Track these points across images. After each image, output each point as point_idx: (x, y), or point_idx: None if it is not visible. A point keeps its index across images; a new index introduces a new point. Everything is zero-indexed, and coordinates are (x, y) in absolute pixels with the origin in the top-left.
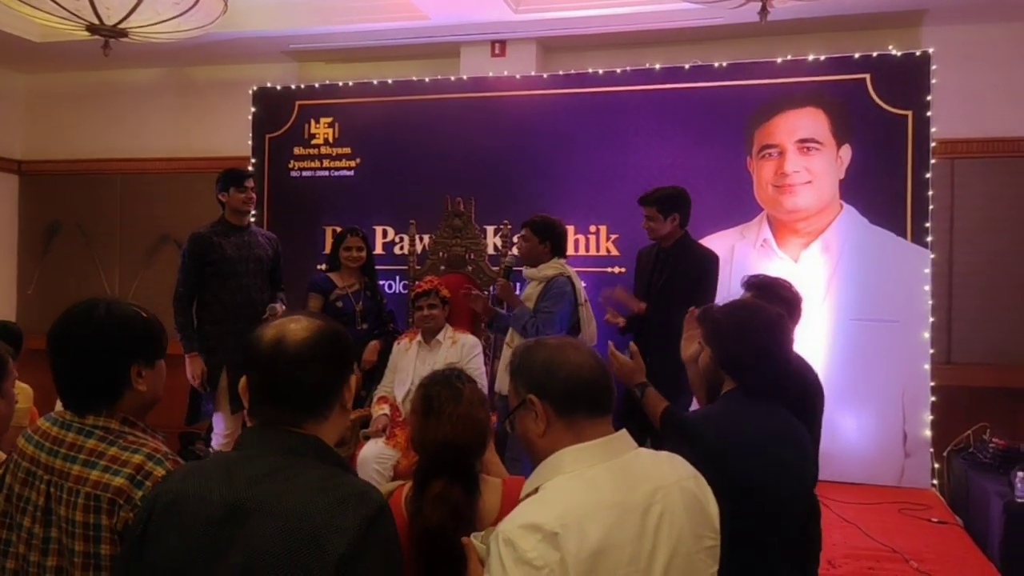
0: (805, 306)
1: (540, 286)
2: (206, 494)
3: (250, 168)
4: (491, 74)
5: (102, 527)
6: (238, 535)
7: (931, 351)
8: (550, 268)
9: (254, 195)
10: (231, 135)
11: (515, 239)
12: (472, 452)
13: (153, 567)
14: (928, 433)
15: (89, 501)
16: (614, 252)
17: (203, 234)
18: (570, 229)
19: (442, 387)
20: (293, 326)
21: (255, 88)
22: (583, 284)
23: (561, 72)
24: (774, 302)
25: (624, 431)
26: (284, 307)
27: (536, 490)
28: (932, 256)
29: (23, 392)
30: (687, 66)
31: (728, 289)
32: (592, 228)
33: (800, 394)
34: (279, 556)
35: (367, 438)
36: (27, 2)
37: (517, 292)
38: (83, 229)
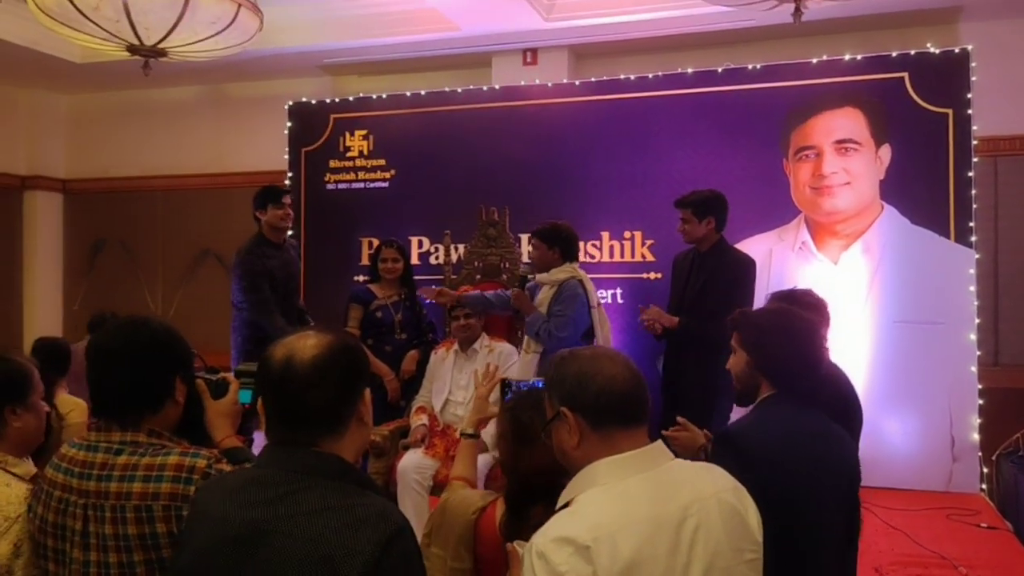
0: (846, 310)
1: (552, 290)
2: (224, 513)
3: (287, 182)
4: (523, 83)
5: (159, 535)
6: (255, 556)
7: (978, 353)
8: (561, 272)
9: (291, 211)
10: (268, 150)
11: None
12: (565, 475)
13: None
14: (976, 437)
15: (140, 513)
16: (649, 258)
17: (256, 255)
18: (604, 235)
19: (534, 412)
20: (301, 344)
21: (291, 103)
22: (595, 288)
23: (593, 79)
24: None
25: (660, 442)
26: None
27: (570, 502)
28: (977, 256)
29: (78, 407)
30: (720, 69)
31: (766, 294)
32: (627, 234)
33: (835, 400)
34: None
35: (406, 448)
36: (68, 24)
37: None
38: (126, 246)
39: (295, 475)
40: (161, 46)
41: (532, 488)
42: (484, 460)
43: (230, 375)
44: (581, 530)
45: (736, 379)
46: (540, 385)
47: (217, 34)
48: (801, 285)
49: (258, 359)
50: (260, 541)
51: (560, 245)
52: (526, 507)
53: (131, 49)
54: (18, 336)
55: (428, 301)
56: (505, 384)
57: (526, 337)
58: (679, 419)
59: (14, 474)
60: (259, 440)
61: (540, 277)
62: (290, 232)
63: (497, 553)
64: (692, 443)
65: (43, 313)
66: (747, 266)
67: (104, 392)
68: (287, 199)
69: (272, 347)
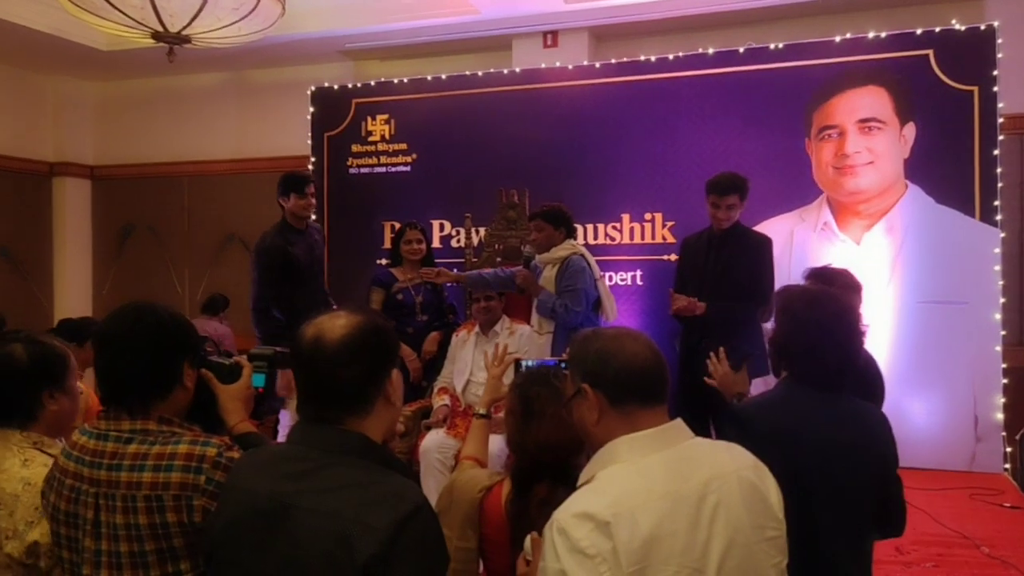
0: (869, 290)
1: (555, 268)
2: (253, 486)
3: (310, 167)
4: (543, 65)
5: (169, 524)
6: (280, 529)
7: (1002, 332)
8: (562, 249)
9: (314, 200)
10: (292, 135)
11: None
12: (574, 452)
13: (210, 554)
14: (1000, 416)
15: (151, 503)
16: (670, 239)
17: (276, 244)
18: (625, 217)
19: (540, 387)
20: (331, 324)
21: (313, 88)
22: (616, 270)
23: (614, 60)
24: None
25: (679, 420)
26: None
27: (591, 479)
28: (1002, 235)
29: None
30: (742, 49)
31: (788, 274)
32: (648, 216)
33: (858, 383)
34: (314, 553)
35: (428, 428)
36: (94, 11)
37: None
38: (154, 231)
39: (321, 452)
40: (185, 32)
41: (539, 465)
42: (503, 441)
43: (243, 359)
44: (602, 506)
45: (769, 349)
46: (553, 364)
47: (240, 20)
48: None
49: (270, 342)
50: (284, 515)
51: (565, 224)
52: (531, 484)
53: (156, 36)
54: (49, 321)
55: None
56: (519, 364)
57: (537, 318)
58: (731, 355)
59: (50, 455)
60: (284, 417)
61: (541, 257)
62: (313, 216)
63: (502, 533)
64: (732, 386)
65: (73, 298)
66: (767, 246)
67: (112, 380)
68: (311, 188)
69: (304, 326)
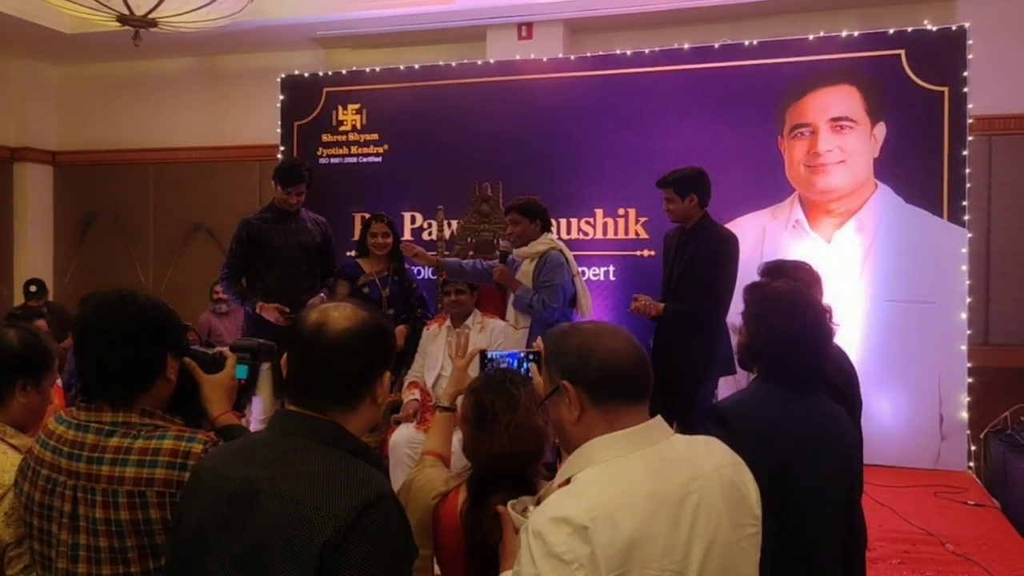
0: (837, 288)
1: (534, 262)
2: (226, 471)
3: (279, 156)
4: (518, 57)
5: (152, 521)
6: (248, 513)
7: (968, 332)
8: (541, 244)
9: (303, 196)
10: (260, 123)
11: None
12: (530, 461)
13: (178, 538)
14: (965, 415)
15: (133, 499)
16: (643, 235)
17: (251, 221)
18: (598, 212)
19: (496, 395)
20: (337, 314)
21: (283, 76)
22: (589, 265)
23: (588, 54)
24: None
25: (659, 418)
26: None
27: (568, 480)
28: (970, 235)
29: None
30: (717, 45)
31: (757, 266)
32: (621, 211)
33: (831, 383)
34: (277, 538)
35: (398, 423)
36: None
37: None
38: (118, 219)
39: (292, 438)
40: (151, 16)
41: (495, 474)
42: (423, 440)
43: (226, 349)
44: (580, 510)
45: (737, 348)
46: (519, 356)
47: (208, 4)
48: None
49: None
50: (252, 500)
51: (540, 217)
52: (487, 494)
53: (121, 19)
54: (8, 308)
55: (416, 270)
56: (484, 357)
57: (514, 312)
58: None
59: (12, 444)
60: (256, 405)
61: (520, 251)
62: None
63: (456, 541)
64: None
65: None
66: (729, 243)
67: (93, 371)
68: (299, 188)
69: (308, 311)
